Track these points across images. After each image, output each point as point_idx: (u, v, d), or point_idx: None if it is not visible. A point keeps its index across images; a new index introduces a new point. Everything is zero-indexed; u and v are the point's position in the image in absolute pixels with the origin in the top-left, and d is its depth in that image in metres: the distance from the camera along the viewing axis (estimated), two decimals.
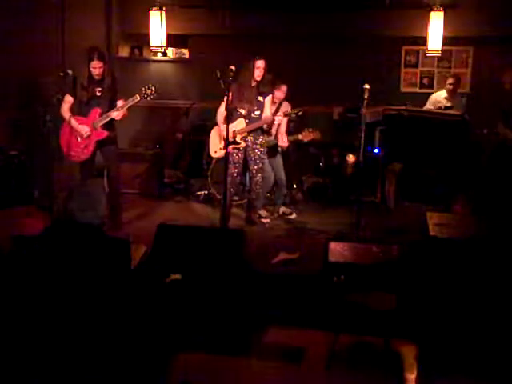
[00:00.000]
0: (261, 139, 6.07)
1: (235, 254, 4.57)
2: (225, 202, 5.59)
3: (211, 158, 6.71)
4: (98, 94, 5.62)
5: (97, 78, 5.58)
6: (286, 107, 6.57)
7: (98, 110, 5.61)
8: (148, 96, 5.55)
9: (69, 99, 5.66)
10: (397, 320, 4.02)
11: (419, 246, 4.60)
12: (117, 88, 5.72)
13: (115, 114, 5.57)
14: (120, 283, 3.01)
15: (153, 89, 5.55)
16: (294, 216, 6.62)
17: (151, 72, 8.76)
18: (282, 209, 6.69)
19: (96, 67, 5.52)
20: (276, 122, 6.16)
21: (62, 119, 5.72)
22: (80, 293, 2.89)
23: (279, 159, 6.63)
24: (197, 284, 4.35)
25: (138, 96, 5.53)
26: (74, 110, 5.68)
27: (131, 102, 5.55)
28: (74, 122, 5.63)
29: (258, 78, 5.84)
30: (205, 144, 7.16)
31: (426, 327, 4.07)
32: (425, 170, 7.18)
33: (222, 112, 5.91)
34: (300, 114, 6.30)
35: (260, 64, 5.78)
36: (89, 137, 5.63)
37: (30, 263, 2.92)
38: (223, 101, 5.74)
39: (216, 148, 6.20)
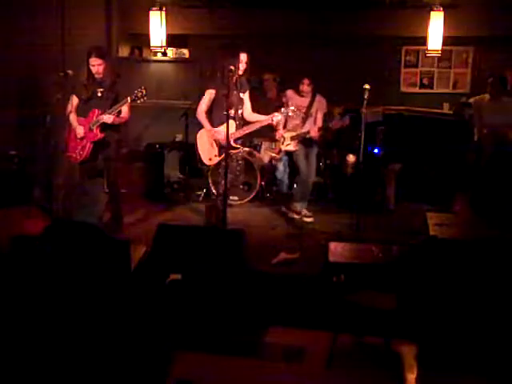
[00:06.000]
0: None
1: (235, 254, 4.56)
2: (225, 201, 5.58)
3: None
4: (99, 94, 5.55)
5: (97, 76, 5.53)
6: (321, 102, 6.41)
7: (97, 112, 5.52)
8: (139, 99, 5.46)
9: (74, 99, 5.63)
10: (397, 320, 4.03)
11: (419, 246, 4.59)
12: (118, 90, 5.61)
13: (105, 118, 5.46)
14: (120, 283, 3.01)
15: (143, 92, 5.44)
16: (311, 220, 6.44)
17: (151, 72, 8.76)
18: (305, 211, 6.51)
19: (94, 64, 5.46)
20: (274, 121, 5.92)
21: (63, 119, 5.69)
22: (80, 292, 2.89)
23: (313, 155, 6.52)
24: (197, 284, 4.35)
25: (128, 98, 5.45)
26: (77, 110, 5.65)
27: (121, 104, 5.48)
28: (73, 123, 5.61)
29: (241, 73, 5.73)
30: None
31: (426, 327, 4.06)
32: (425, 170, 7.19)
33: (203, 110, 5.77)
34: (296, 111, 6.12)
35: (243, 58, 5.67)
36: (84, 138, 5.55)
37: (29, 263, 2.93)
38: (201, 98, 5.78)
39: (210, 155, 5.88)
